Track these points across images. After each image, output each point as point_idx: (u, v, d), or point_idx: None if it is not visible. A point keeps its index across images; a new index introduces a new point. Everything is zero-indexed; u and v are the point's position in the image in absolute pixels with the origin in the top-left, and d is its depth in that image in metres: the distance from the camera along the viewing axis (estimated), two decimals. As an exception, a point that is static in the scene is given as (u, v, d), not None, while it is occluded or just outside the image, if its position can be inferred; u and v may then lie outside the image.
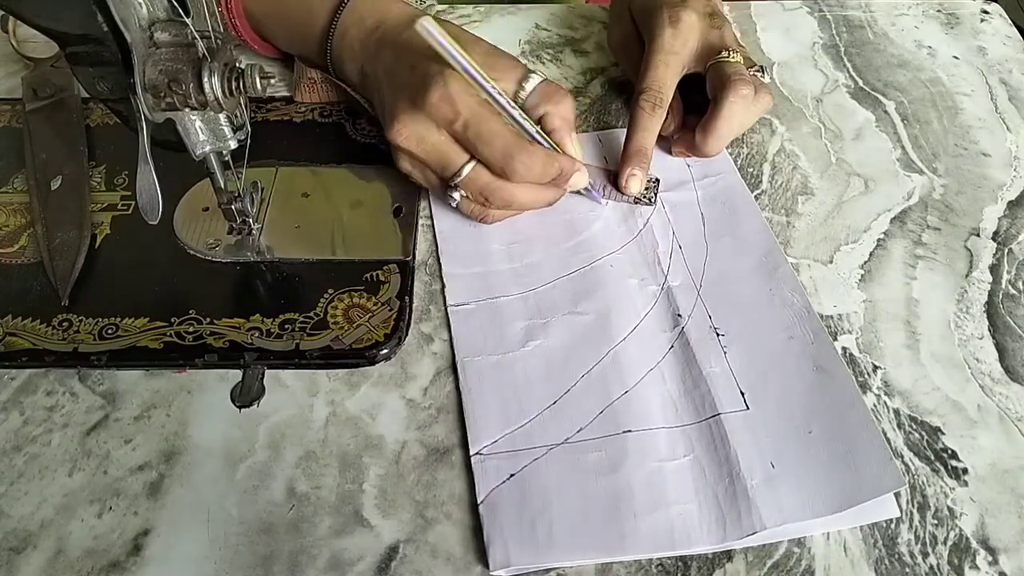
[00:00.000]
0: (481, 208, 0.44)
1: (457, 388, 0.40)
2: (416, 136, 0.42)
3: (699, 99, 0.49)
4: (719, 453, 0.37)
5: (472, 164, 0.42)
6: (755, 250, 0.46)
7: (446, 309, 0.43)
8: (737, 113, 0.46)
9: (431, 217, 0.47)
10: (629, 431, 0.38)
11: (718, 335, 0.41)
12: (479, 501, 0.35)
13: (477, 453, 0.37)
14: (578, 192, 0.48)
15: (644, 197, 0.47)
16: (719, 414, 0.38)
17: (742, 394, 0.39)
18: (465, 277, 0.44)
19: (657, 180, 0.48)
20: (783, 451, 0.37)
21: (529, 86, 0.45)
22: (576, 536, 0.34)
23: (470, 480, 0.37)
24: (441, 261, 0.45)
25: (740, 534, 0.34)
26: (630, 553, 0.34)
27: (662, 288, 0.44)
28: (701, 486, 0.36)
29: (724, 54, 0.47)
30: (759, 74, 0.49)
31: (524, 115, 0.43)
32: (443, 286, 0.44)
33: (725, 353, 0.41)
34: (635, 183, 0.47)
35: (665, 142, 0.51)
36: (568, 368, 0.40)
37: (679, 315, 0.42)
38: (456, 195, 0.44)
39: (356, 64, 0.49)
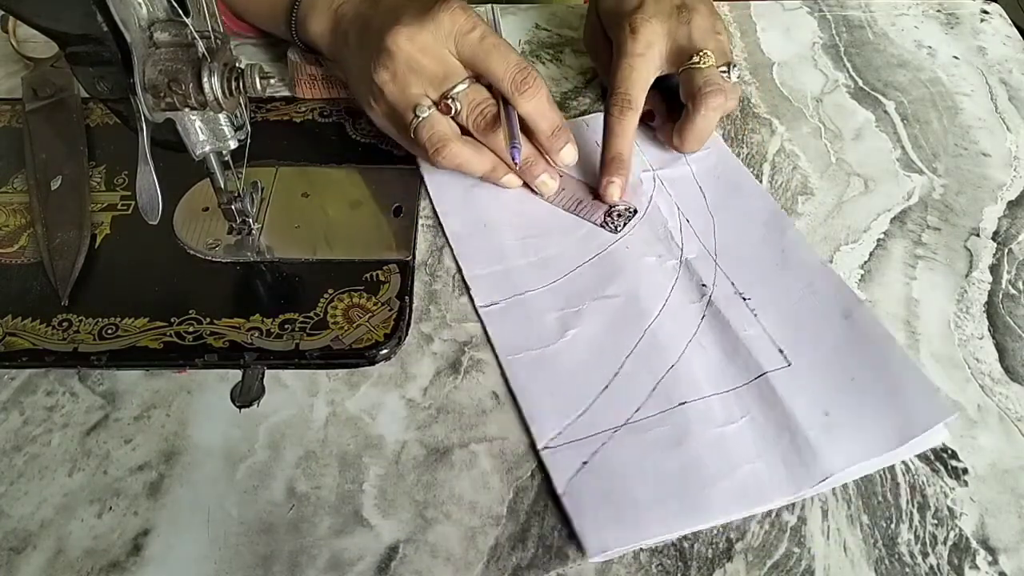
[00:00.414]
0: (443, 138, 0.44)
1: (508, 384, 0.40)
2: (420, 41, 0.43)
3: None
4: (773, 410, 0.38)
5: (470, 80, 0.44)
6: (759, 216, 0.47)
7: (476, 311, 0.43)
8: (711, 124, 0.47)
9: (431, 217, 0.47)
10: (684, 403, 0.39)
11: (744, 299, 0.42)
12: (560, 493, 0.36)
13: (545, 447, 0.37)
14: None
15: (609, 224, 0.46)
16: (765, 373, 0.39)
17: (781, 352, 0.40)
18: (488, 277, 0.44)
19: (635, 210, 0.47)
20: (832, 399, 0.38)
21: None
22: (660, 510, 0.35)
23: (470, 480, 0.37)
24: (459, 264, 0.45)
25: (811, 483, 0.36)
26: (714, 519, 0.35)
27: (680, 261, 0.45)
28: (763, 444, 0.37)
29: (695, 59, 0.46)
30: (726, 74, 0.47)
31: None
32: (467, 288, 0.44)
33: (755, 315, 0.42)
34: (614, 190, 0.46)
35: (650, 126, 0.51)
36: (611, 351, 0.41)
37: (703, 284, 0.43)
38: (454, 105, 0.43)
39: (329, 9, 0.48)
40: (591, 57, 0.57)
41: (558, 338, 0.41)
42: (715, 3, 0.51)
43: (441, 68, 0.43)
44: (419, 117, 0.44)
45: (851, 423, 0.37)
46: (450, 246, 0.46)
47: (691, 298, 0.43)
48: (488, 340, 0.42)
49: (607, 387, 0.39)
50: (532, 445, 0.38)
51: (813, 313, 0.42)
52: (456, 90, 0.43)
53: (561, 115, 0.46)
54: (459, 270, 0.45)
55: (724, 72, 0.47)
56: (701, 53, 0.47)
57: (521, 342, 0.41)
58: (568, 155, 0.46)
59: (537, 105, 0.44)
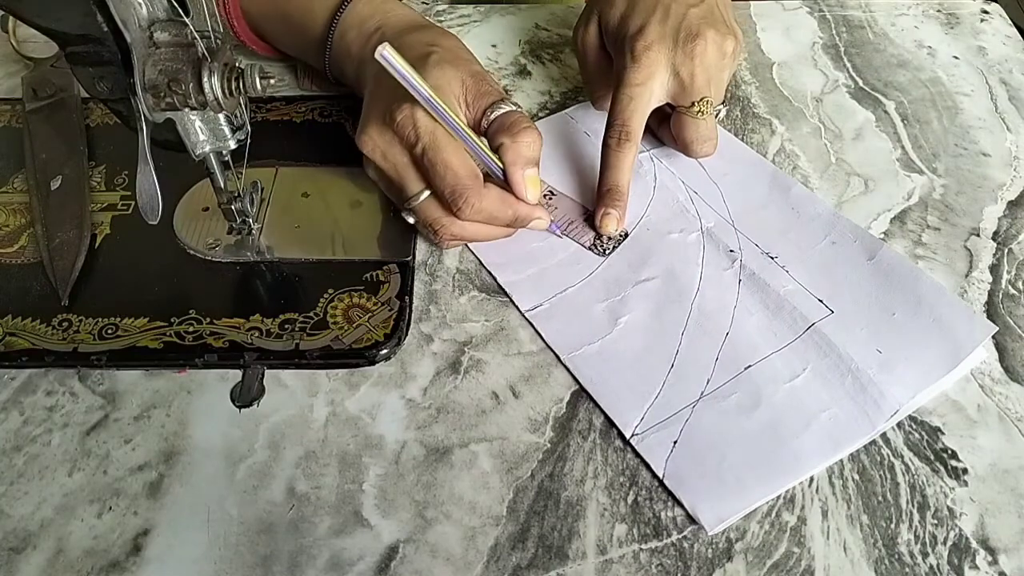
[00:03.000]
0: (434, 234, 0.43)
1: (578, 382, 0.40)
2: (380, 150, 0.42)
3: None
4: (830, 358, 0.40)
5: (427, 194, 0.42)
6: (761, 178, 0.49)
7: (524, 317, 0.43)
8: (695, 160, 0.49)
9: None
10: (749, 366, 0.40)
11: (772, 259, 0.44)
12: (661, 475, 0.37)
13: (633, 435, 0.38)
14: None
15: (597, 247, 0.45)
16: (813, 324, 0.41)
17: (821, 301, 0.42)
18: (524, 281, 0.44)
19: (626, 234, 0.46)
20: (881, 337, 0.40)
21: (492, 115, 0.42)
22: (759, 472, 0.36)
23: (470, 480, 0.37)
24: (493, 274, 0.44)
25: (883, 418, 0.38)
26: (808, 469, 0.37)
27: (702, 232, 0.46)
28: (830, 390, 0.39)
29: (695, 107, 0.46)
30: (717, 116, 0.47)
31: (487, 148, 0.41)
32: (507, 295, 0.43)
33: (788, 272, 0.43)
34: (610, 222, 0.45)
35: None
36: (665, 331, 0.42)
37: (731, 250, 0.45)
38: (410, 218, 0.43)
39: (352, 66, 0.49)
40: (576, 53, 0.53)
41: (612, 327, 0.42)
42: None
43: (399, 179, 0.42)
44: (407, 219, 0.43)
45: (904, 356, 0.40)
46: (479, 260, 0.45)
47: (723, 265, 0.44)
48: (544, 342, 0.42)
49: (673, 366, 0.40)
50: (533, 444, 0.38)
51: (840, 261, 0.44)
52: (411, 204, 0.42)
53: (509, 208, 0.42)
54: (460, 271, 0.45)
55: (716, 115, 0.47)
56: (701, 101, 0.46)
57: (577, 338, 0.42)
58: (538, 225, 0.44)
59: (478, 216, 0.41)
